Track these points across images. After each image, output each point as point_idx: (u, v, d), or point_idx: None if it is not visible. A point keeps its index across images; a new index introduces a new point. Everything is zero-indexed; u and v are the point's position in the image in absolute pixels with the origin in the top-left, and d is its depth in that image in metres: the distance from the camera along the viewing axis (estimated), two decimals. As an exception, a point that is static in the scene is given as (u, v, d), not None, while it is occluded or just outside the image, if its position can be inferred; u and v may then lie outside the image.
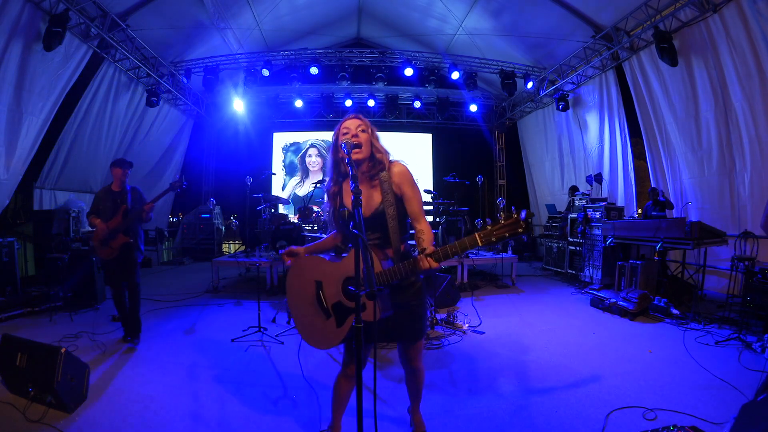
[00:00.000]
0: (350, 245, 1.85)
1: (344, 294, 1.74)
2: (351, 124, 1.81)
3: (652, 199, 6.22)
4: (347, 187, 1.85)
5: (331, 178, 1.91)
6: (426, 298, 1.92)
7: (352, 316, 1.72)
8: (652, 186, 6.76)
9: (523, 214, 1.43)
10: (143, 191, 3.90)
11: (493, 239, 1.46)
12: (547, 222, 8.77)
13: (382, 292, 1.69)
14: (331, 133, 1.90)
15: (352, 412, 2.03)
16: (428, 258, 1.58)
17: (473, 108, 10.62)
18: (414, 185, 1.84)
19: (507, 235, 1.45)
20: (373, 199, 1.80)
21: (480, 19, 8.20)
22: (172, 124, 9.99)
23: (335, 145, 1.84)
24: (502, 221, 1.46)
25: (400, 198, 1.81)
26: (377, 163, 1.82)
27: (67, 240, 5.93)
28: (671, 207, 6.15)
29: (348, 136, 1.78)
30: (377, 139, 1.85)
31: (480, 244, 1.49)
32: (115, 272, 3.75)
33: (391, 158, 1.87)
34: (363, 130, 1.80)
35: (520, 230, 1.44)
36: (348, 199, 1.80)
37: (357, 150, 1.76)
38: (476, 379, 3.02)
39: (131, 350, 3.58)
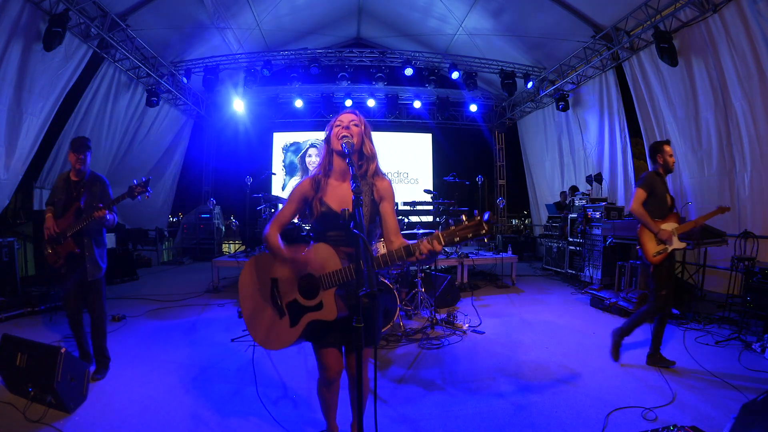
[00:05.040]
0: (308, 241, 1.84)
1: (300, 292, 1.73)
2: (345, 117, 1.82)
3: None
4: (334, 183, 1.83)
5: (320, 166, 1.88)
6: (383, 303, 1.88)
7: (306, 315, 1.71)
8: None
9: (486, 216, 1.47)
10: (111, 185, 3.09)
11: (456, 239, 1.49)
12: (547, 222, 8.77)
13: (340, 292, 1.69)
14: None
15: (348, 416, 2.04)
16: (434, 241, 1.53)
17: (473, 108, 10.62)
18: (394, 203, 1.88)
19: (470, 235, 1.47)
20: (350, 195, 1.75)
21: (480, 19, 8.19)
22: (172, 124, 9.99)
23: (328, 137, 1.84)
24: (466, 222, 1.49)
25: (376, 208, 1.83)
26: (363, 161, 1.83)
27: (67, 240, 5.92)
28: None
29: (340, 128, 1.78)
30: (370, 138, 1.85)
31: (442, 243, 1.51)
32: (66, 289, 2.96)
33: (379, 166, 1.87)
34: (356, 125, 1.80)
35: (483, 231, 1.46)
36: (331, 197, 1.79)
37: (347, 139, 1.73)
38: (476, 379, 3.02)
39: (131, 351, 3.58)
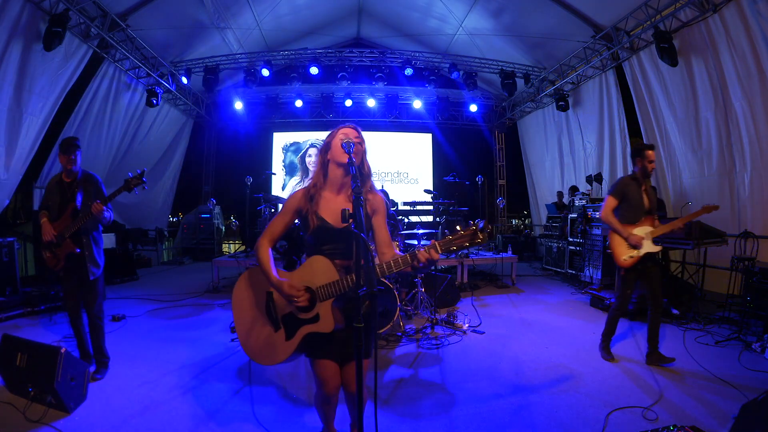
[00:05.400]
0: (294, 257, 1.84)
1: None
2: (351, 132, 1.80)
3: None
4: (328, 195, 1.80)
5: (315, 178, 1.84)
6: (382, 304, 1.87)
7: (303, 328, 1.70)
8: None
9: (481, 225, 1.52)
10: (104, 183, 3.05)
11: (453, 248, 1.56)
12: (547, 222, 8.77)
13: (337, 304, 1.68)
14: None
15: (346, 415, 2.04)
16: (431, 250, 1.58)
17: (473, 108, 10.62)
18: (386, 217, 1.90)
19: (466, 244, 1.55)
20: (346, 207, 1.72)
21: (480, 19, 8.20)
22: (172, 124, 9.99)
23: (326, 146, 1.81)
24: (462, 231, 1.55)
25: (369, 222, 1.83)
26: (362, 178, 1.81)
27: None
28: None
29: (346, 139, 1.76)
30: (366, 156, 1.87)
31: (440, 252, 1.57)
32: (66, 289, 3.02)
33: (373, 183, 1.90)
34: (359, 143, 1.79)
35: (478, 240, 1.53)
36: (326, 211, 1.76)
37: (347, 139, 1.72)
38: (476, 378, 3.02)
39: (131, 350, 3.58)
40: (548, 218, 8.85)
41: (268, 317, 1.78)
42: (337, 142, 1.77)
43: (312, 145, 11.64)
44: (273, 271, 1.73)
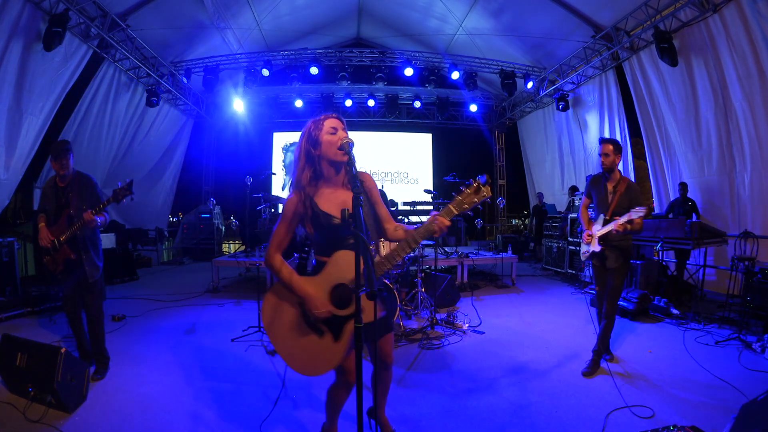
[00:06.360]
0: (296, 255, 1.82)
1: (334, 304, 1.69)
2: (338, 124, 1.74)
3: (681, 193, 5.99)
4: (327, 191, 1.75)
5: (307, 176, 1.74)
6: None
7: (348, 324, 1.68)
8: (682, 180, 6.56)
9: (483, 179, 1.57)
10: (104, 183, 3.00)
11: (465, 206, 1.60)
12: (547, 222, 8.78)
13: (382, 293, 1.67)
14: None
15: (346, 416, 2.04)
16: (438, 220, 1.61)
17: (473, 108, 10.62)
18: (378, 192, 1.91)
19: (476, 200, 1.58)
20: (348, 199, 1.69)
21: (480, 19, 8.20)
22: (172, 124, 10.00)
23: (315, 141, 1.72)
24: (467, 190, 1.59)
25: (368, 202, 1.82)
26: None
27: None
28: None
29: (336, 137, 1.70)
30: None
31: (456, 213, 1.62)
32: (65, 291, 3.01)
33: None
34: (348, 136, 1.75)
35: (483, 194, 1.58)
36: (332, 207, 1.72)
37: (346, 139, 1.68)
38: (476, 379, 3.02)
39: (131, 350, 3.58)
40: (537, 223, 8.94)
41: (309, 326, 1.73)
42: (327, 138, 1.71)
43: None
44: (295, 280, 1.70)
